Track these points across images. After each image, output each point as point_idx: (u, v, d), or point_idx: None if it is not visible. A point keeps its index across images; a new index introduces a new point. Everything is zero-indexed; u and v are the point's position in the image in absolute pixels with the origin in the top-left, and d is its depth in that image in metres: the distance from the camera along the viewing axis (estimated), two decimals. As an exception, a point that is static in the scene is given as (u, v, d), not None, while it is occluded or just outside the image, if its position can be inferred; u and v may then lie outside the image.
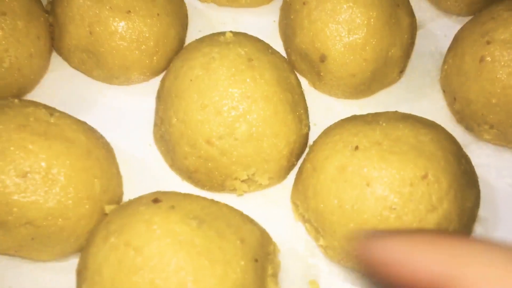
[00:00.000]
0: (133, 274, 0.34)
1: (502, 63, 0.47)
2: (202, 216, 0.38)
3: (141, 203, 0.39)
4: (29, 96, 0.52)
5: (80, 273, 0.37)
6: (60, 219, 0.41)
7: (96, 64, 0.52)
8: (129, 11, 0.50)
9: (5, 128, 0.41)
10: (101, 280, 0.35)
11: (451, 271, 0.23)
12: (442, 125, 0.47)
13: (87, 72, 0.53)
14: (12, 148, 0.40)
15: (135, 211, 0.38)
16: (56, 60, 0.54)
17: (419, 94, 0.56)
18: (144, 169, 0.50)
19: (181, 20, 0.54)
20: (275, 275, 0.39)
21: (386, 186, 0.40)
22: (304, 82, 0.54)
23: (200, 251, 0.35)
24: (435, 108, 0.54)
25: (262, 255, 0.38)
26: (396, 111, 0.47)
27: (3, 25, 0.47)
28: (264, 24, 0.58)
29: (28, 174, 0.40)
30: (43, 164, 0.40)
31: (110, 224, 0.38)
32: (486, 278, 0.23)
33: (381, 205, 0.40)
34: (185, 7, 0.56)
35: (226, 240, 0.37)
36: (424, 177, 0.40)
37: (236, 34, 0.48)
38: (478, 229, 0.46)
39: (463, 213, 0.42)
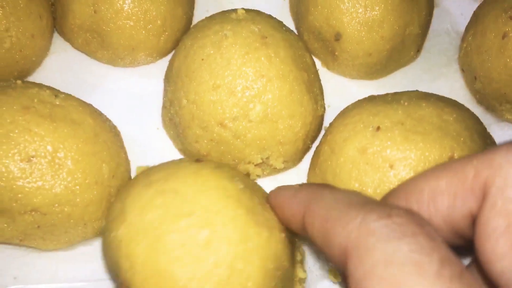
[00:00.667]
0: (179, 219, 0.33)
1: (527, 39, 0.45)
2: (245, 181, 0.36)
3: (183, 161, 0.38)
4: (31, 79, 0.50)
5: (115, 219, 0.35)
6: (67, 206, 0.39)
7: (100, 45, 0.49)
8: (135, -12, 0.47)
9: (8, 110, 0.38)
10: (142, 222, 0.33)
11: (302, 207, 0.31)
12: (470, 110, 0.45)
13: (91, 53, 0.51)
14: (16, 131, 0.38)
15: (179, 165, 0.37)
16: (58, 40, 0.52)
17: (436, 74, 0.54)
18: (153, 154, 0.48)
19: (188, -3, 0.52)
20: (301, 262, 0.38)
21: (410, 168, 0.38)
22: (317, 62, 0.52)
23: (247, 211, 0.34)
24: (453, 88, 0.53)
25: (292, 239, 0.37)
26: (417, 90, 0.45)
27: (3, 3, 0.44)
28: (274, 2, 0.56)
29: (33, 159, 0.38)
30: (49, 147, 0.38)
31: (151, 175, 0.36)
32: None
33: (405, 188, 0.38)
34: (192, -17, 0.54)
35: (268, 210, 0.35)
36: (451, 158, 0.38)
37: (248, 11, 0.46)
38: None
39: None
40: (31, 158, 0.38)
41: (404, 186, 0.29)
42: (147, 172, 0.37)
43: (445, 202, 0.27)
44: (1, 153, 0.37)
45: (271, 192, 0.36)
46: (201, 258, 0.32)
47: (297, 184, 0.34)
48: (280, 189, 0.35)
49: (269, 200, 0.35)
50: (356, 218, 0.26)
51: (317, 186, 0.32)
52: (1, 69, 0.46)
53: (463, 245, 0.27)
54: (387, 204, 0.28)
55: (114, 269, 0.35)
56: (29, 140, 0.38)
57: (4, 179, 0.37)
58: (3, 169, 0.37)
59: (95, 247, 0.43)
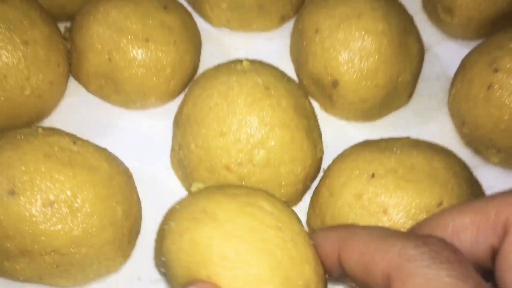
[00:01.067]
0: (269, 230, 0.36)
1: (510, 91, 0.48)
2: None
3: None
4: (47, 121, 0.53)
5: (197, 220, 0.36)
6: (84, 247, 0.42)
7: (114, 90, 0.53)
8: (147, 39, 0.51)
9: (32, 158, 0.41)
10: (236, 225, 0.35)
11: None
12: (451, 147, 0.49)
13: (105, 97, 0.54)
14: (39, 178, 0.41)
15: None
16: (72, 84, 0.55)
17: (427, 117, 0.57)
18: (162, 193, 0.51)
19: (196, 46, 0.56)
20: None
21: (403, 214, 0.41)
22: (315, 105, 0.56)
23: None
24: (443, 130, 0.56)
25: None
26: (408, 137, 0.48)
27: (25, 54, 0.48)
28: (275, 48, 0.60)
29: (54, 204, 0.41)
30: (68, 193, 0.41)
31: (227, 190, 0.39)
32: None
33: (398, 231, 0.41)
34: (199, 32, 0.57)
35: None
36: (439, 204, 0.41)
37: (252, 62, 0.49)
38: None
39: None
40: (53, 203, 0.41)
41: (429, 221, 0.33)
42: (219, 187, 0.40)
43: (468, 237, 0.31)
44: (25, 199, 0.40)
45: (316, 232, 0.38)
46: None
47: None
48: (311, 233, 0.38)
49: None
50: (395, 246, 0.29)
51: (347, 225, 0.35)
52: (21, 113, 0.49)
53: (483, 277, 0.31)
54: (420, 234, 0.31)
55: (187, 268, 0.36)
56: (50, 187, 0.41)
57: (27, 223, 0.40)
58: (26, 214, 0.40)
59: (107, 284, 0.46)
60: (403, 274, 0.28)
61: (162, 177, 0.52)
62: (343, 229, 0.35)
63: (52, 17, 0.53)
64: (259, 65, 0.49)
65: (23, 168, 0.41)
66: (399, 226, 0.41)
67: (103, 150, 0.46)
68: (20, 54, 0.47)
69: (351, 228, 0.35)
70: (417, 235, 0.31)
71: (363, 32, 0.51)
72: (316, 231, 0.37)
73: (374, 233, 0.32)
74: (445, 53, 0.61)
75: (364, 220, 0.42)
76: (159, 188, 0.51)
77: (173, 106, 0.54)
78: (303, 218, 0.50)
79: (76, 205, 0.42)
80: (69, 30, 0.54)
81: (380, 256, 0.30)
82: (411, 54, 0.53)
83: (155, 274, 0.47)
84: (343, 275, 0.35)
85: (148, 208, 0.49)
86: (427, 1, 0.62)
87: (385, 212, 0.42)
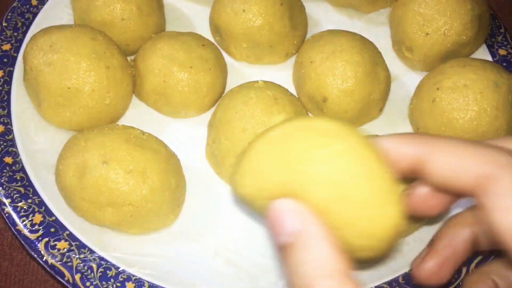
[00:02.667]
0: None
1: (447, 102, 0.68)
2: None
3: None
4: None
5: None
6: (150, 203, 0.61)
7: (165, 103, 0.73)
8: (191, 67, 0.71)
9: (117, 141, 0.61)
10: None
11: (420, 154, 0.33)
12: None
13: (158, 108, 0.74)
14: (122, 154, 0.60)
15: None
16: (134, 99, 0.76)
17: (394, 126, 0.76)
18: (198, 177, 0.70)
19: (224, 73, 0.76)
20: None
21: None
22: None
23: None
24: None
25: None
26: (375, 135, 0.68)
27: (107, 76, 0.68)
28: (282, 76, 0.78)
29: (132, 172, 0.60)
30: (141, 165, 0.61)
31: None
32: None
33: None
34: (226, 64, 0.78)
35: None
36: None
37: (265, 82, 0.70)
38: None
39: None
40: (131, 171, 0.60)
41: None
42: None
43: None
44: (113, 167, 0.59)
45: (381, 136, 0.37)
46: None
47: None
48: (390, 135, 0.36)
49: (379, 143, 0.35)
50: (487, 153, 0.30)
51: (429, 134, 0.34)
52: (103, 116, 0.69)
53: None
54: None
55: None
56: (129, 160, 0.60)
57: (114, 183, 0.59)
58: (114, 177, 0.59)
59: (162, 234, 0.64)
60: (495, 180, 0.28)
61: (199, 165, 0.71)
62: (426, 137, 0.33)
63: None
64: (270, 84, 0.70)
65: (111, 147, 0.61)
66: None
67: (161, 141, 0.66)
68: (104, 76, 0.68)
69: (435, 136, 0.33)
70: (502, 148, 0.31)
71: (344, 63, 0.71)
72: (384, 137, 0.36)
73: (462, 141, 0.32)
74: (408, 81, 0.80)
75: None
76: (197, 173, 0.70)
77: (207, 116, 0.74)
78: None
79: (146, 174, 0.61)
80: (134, 60, 0.75)
81: (473, 161, 0.30)
82: (379, 79, 0.73)
83: (194, 232, 0.65)
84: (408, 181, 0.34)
85: (189, 187, 0.69)
86: (394, 42, 0.83)
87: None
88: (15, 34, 0.75)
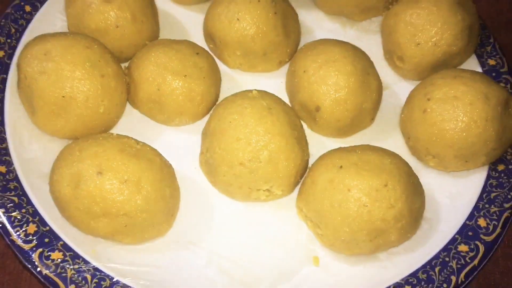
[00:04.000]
0: None
1: (438, 113, 0.69)
2: None
3: None
4: (112, 131, 0.73)
5: None
6: (144, 213, 0.61)
7: (159, 111, 0.73)
8: (185, 75, 0.72)
9: (111, 152, 0.61)
10: None
11: None
12: (402, 155, 0.69)
13: (152, 116, 0.75)
14: (116, 164, 0.61)
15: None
16: (128, 107, 0.76)
17: (385, 135, 0.77)
18: (192, 184, 0.70)
19: (217, 81, 0.77)
20: None
21: (360, 191, 0.61)
22: (304, 125, 0.76)
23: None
24: (396, 145, 0.75)
25: None
26: (368, 144, 0.69)
27: (102, 84, 0.68)
28: (275, 84, 0.79)
29: (127, 181, 0.61)
30: (135, 175, 0.61)
31: None
32: None
33: (358, 204, 0.61)
34: (220, 72, 0.78)
35: None
36: (385, 185, 0.61)
37: (259, 91, 0.70)
38: (424, 225, 0.68)
39: (412, 211, 0.63)
40: (125, 181, 0.60)
41: None
42: None
43: None
44: (108, 178, 0.59)
45: None
46: None
47: None
48: None
49: None
50: None
51: None
52: (97, 124, 0.69)
53: None
54: None
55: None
56: (124, 170, 0.61)
57: (109, 193, 0.59)
58: (108, 187, 0.60)
59: (156, 243, 0.65)
60: None
61: (192, 173, 0.71)
62: None
63: (115, 59, 0.74)
64: (264, 93, 0.70)
65: (106, 157, 0.61)
66: (357, 199, 0.61)
67: (155, 150, 0.66)
68: (98, 84, 0.67)
69: None
70: None
71: (337, 73, 0.72)
72: None
73: None
74: (399, 90, 0.81)
75: (335, 197, 0.62)
76: (191, 181, 0.71)
77: (200, 124, 0.74)
78: (294, 203, 0.69)
79: (140, 183, 0.61)
80: (128, 68, 0.75)
81: None
82: (371, 88, 0.74)
83: (188, 241, 0.66)
84: None
85: (183, 196, 0.69)
86: (386, 52, 0.84)
87: (349, 190, 0.62)
88: (9, 40, 0.74)
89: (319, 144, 0.75)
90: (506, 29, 0.94)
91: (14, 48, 0.74)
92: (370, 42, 0.84)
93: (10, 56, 0.73)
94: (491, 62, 0.82)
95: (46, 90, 0.66)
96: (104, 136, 0.64)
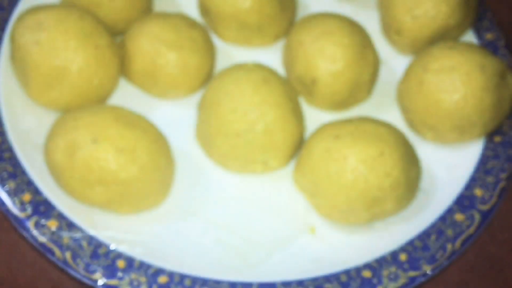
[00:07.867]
0: None
1: (434, 84, 0.69)
2: None
3: None
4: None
5: None
6: (140, 182, 0.61)
7: (153, 84, 0.73)
8: (180, 48, 0.71)
9: (107, 120, 0.61)
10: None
11: None
12: (398, 128, 0.69)
13: (146, 89, 0.74)
14: (112, 133, 0.60)
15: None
16: (122, 80, 0.75)
17: (383, 109, 0.77)
18: (188, 157, 0.70)
19: (212, 54, 0.76)
20: None
21: (357, 160, 0.61)
22: (300, 99, 0.76)
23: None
24: (394, 117, 0.75)
25: None
26: (365, 116, 0.69)
27: (95, 55, 0.67)
28: (271, 59, 0.78)
29: (123, 150, 0.60)
30: (131, 144, 0.61)
31: None
32: None
33: (354, 173, 0.61)
34: (214, 45, 0.78)
35: None
36: (382, 154, 0.61)
37: (255, 64, 0.70)
38: (421, 195, 0.68)
39: (408, 179, 0.63)
40: (121, 150, 0.60)
41: None
42: None
43: None
44: (103, 146, 0.59)
45: None
46: None
47: None
48: None
49: None
50: None
51: None
52: (91, 96, 0.68)
53: None
54: None
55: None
56: (119, 139, 0.60)
57: (105, 161, 0.59)
58: (104, 155, 0.59)
59: (152, 214, 0.65)
60: None
61: (188, 146, 0.71)
62: None
63: (110, 32, 0.73)
64: (260, 66, 0.70)
65: (101, 126, 0.60)
66: (353, 168, 0.61)
67: (149, 120, 0.66)
68: (92, 55, 0.67)
69: None
70: None
71: (334, 45, 0.71)
72: None
73: None
74: (397, 64, 0.81)
75: (331, 165, 0.62)
76: (186, 154, 0.70)
77: (195, 97, 0.74)
78: (291, 176, 0.69)
79: (135, 152, 0.61)
80: (122, 40, 0.74)
81: None
82: (368, 61, 0.74)
83: (184, 211, 0.66)
84: None
85: (179, 166, 0.68)
86: (383, 25, 0.83)
87: (345, 159, 0.61)
88: (1, 12, 0.73)
89: (315, 117, 0.75)
90: (506, 4, 0.94)
91: (6, 20, 0.73)
92: (367, 17, 0.84)
93: (3, 28, 0.73)
94: (489, 36, 0.81)
95: (40, 61, 0.65)
96: (99, 106, 0.64)
